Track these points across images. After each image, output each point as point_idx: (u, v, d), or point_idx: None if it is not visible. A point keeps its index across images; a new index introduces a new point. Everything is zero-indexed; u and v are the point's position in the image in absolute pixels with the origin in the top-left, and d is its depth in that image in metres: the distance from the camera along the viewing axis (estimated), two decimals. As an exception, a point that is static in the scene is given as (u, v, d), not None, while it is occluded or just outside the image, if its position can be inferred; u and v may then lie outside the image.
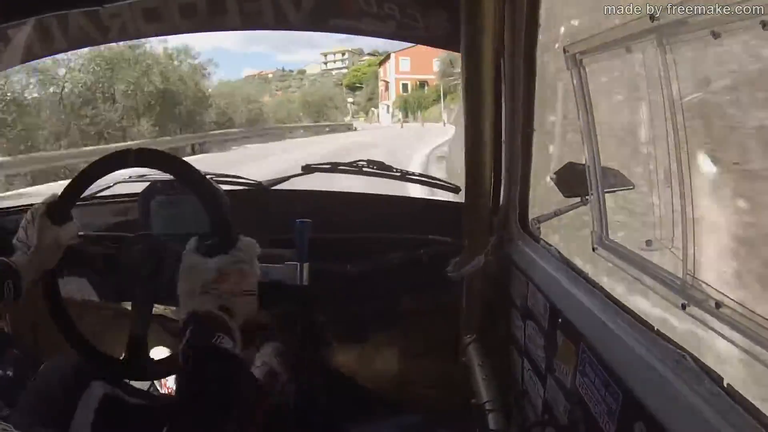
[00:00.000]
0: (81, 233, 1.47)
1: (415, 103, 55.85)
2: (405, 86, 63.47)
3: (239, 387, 0.91)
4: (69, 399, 1.25)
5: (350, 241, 1.90)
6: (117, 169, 1.34)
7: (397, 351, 2.04)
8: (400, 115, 56.16)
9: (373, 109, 70.93)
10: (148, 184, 1.90)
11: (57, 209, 1.32)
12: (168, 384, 2.01)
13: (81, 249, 1.39)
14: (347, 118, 60.09)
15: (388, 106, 65.21)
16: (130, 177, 2.05)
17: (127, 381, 1.47)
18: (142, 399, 1.42)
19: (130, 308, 1.88)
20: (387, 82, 66.01)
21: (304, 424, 1.71)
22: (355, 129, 42.42)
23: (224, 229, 1.18)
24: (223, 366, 0.94)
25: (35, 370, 1.36)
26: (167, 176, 1.53)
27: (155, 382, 1.98)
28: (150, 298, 1.39)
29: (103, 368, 1.34)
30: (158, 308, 1.83)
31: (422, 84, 60.22)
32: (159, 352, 2.11)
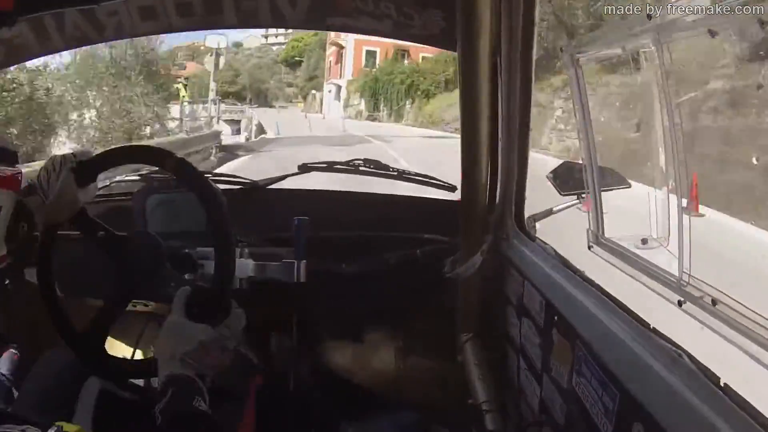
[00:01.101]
0: (75, 233, 1.47)
1: (389, 88, 35.88)
2: (371, 56, 41.35)
3: None
4: (67, 393, 1.25)
5: (346, 239, 1.89)
6: (152, 165, 1.35)
7: (393, 349, 2.04)
8: (362, 106, 38.86)
9: (313, 91, 54.69)
10: (143, 182, 1.89)
11: (85, 169, 1.31)
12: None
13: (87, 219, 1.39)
14: (277, 105, 51.53)
15: (338, 87, 44.17)
16: (126, 175, 2.04)
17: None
18: (136, 394, 1.42)
19: (128, 309, 1.89)
20: (340, 49, 43.94)
21: (302, 423, 1.71)
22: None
23: (222, 298, 1.21)
24: (200, 428, 0.99)
25: (30, 363, 1.36)
26: (162, 174, 1.53)
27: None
28: (125, 297, 1.39)
29: (102, 369, 1.34)
30: (153, 306, 1.82)
31: (402, 54, 37.85)
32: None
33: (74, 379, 1.27)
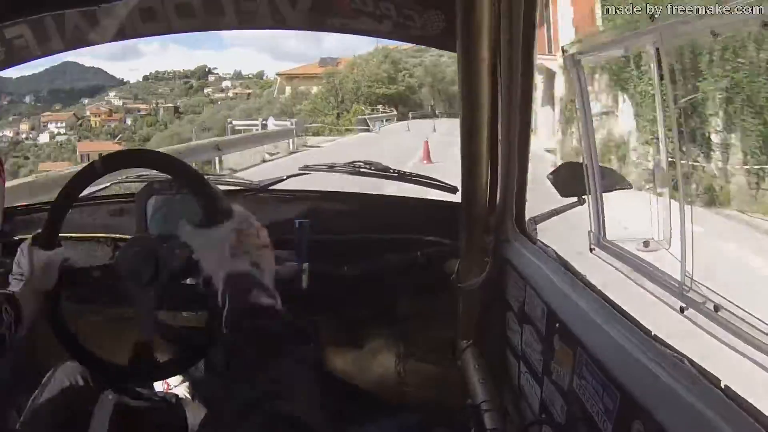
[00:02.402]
0: (77, 235, 1.47)
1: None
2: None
3: (285, 339, 0.92)
4: (81, 407, 1.25)
5: (347, 242, 1.89)
6: (91, 182, 1.34)
7: (394, 352, 2.04)
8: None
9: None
10: (144, 184, 1.89)
11: (44, 237, 1.33)
12: (169, 382, 2.00)
13: (75, 267, 1.39)
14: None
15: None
16: (126, 177, 2.04)
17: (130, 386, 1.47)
18: (148, 402, 1.42)
19: (130, 313, 1.89)
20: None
21: (300, 425, 1.71)
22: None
23: (216, 201, 1.17)
24: (265, 322, 0.94)
25: (34, 371, 1.36)
26: (164, 176, 1.52)
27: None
28: (151, 301, 1.39)
29: (107, 376, 1.34)
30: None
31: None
32: (159, 356, 2.11)
33: (91, 390, 1.28)
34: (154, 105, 52.83)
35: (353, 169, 1.98)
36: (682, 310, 0.99)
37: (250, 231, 1.06)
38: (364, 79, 49.34)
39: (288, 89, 51.96)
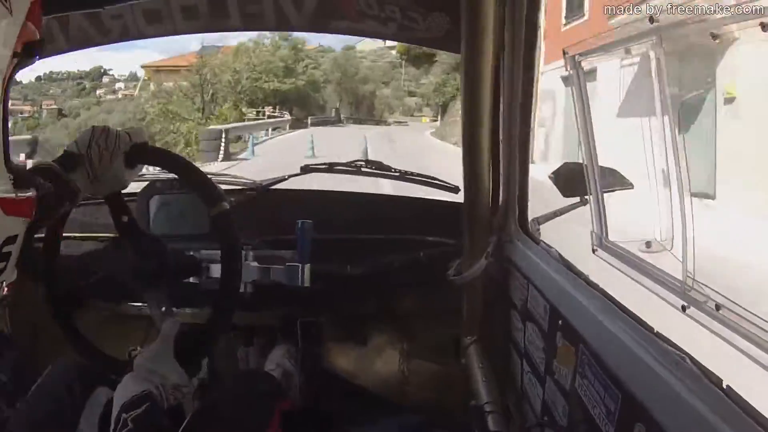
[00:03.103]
0: (79, 234, 1.46)
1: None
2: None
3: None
4: (74, 403, 1.25)
5: (350, 242, 1.90)
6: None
7: (397, 352, 2.04)
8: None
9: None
10: (146, 183, 1.90)
11: (138, 154, 1.31)
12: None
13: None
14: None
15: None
16: None
17: None
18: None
19: (131, 309, 1.90)
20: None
21: (305, 424, 1.71)
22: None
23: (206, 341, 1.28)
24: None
25: (34, 372, 1.36)
26: (166, 175, 1.53)
27: None
28: (162, 297, 1.40)
29: (106, 370, 1.35)
30: None
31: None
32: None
33: (83, 388, 1.28)
34: (38, 107, 48.31)
35: (355, 168, 1.99)
36: (683, 308, 0.99)
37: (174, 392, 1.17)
38: (248, 69, 36.94)
39: (152, 86, 39.56)
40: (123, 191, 2.03)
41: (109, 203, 1.37)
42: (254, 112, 35.74)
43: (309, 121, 34.98)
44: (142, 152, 1.30)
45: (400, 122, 45.18)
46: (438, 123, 39.06)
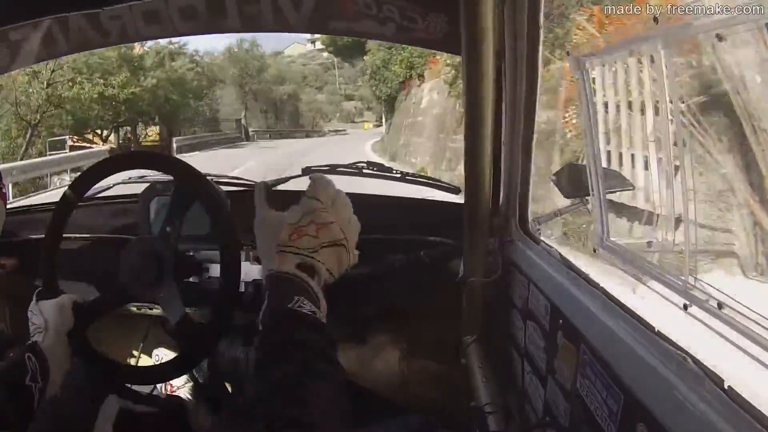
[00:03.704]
0: (80, 236, 1.47)
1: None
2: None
3: (316, 352, 0.84)
4: (86, 411, 1.25)
5: None
6: (71, 211, 1.37)
7: (397, 352, 2.04)
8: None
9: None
10: (147, 185, 1.90)
11: (45, 289, 1.36)
12: (173, 384, 2.01)
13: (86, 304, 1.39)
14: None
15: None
16: (129, 178, 2.05)
17: (132, 387, 1.47)
18: (151, 406, 1.42)
19: (131, 309, 1.90)
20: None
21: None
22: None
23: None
24: (300, 331, 0.85)
25: (42, 387, 1.37)
26: (166, 177, 1.53)
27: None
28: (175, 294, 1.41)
29: (109, 374, 1.35)
30: (159, 309, 1.83)
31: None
32: (159, 354, 2.12)
33: (94, 395, 1.28)
34: None
35: (356, 170, 1.99)
36: (685, 307, 0.99)
37: (307, 228, 0.97)
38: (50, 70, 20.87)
39: None
40: (123, 195, 2.04)
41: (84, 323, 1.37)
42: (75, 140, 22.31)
43: (174, 146, 23.40)
44: (42, 290, 1.36)
45: (338, 131, 40.42)
46: (384, 128, 29.26)
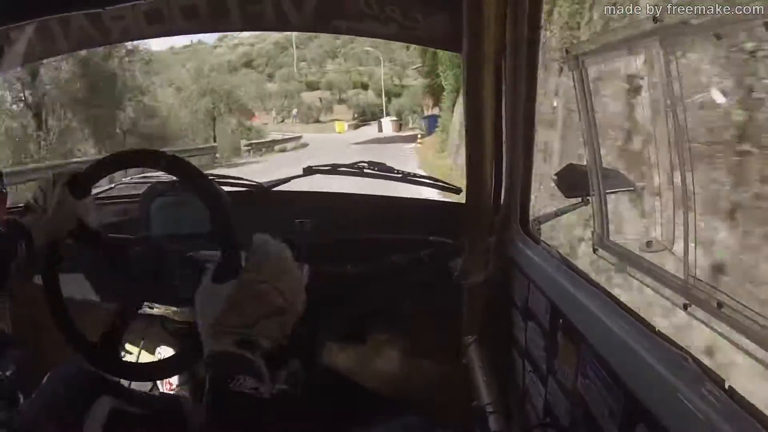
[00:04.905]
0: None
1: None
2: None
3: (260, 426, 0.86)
4: (77, 411, 1.25)
5: (351, 242, 1.90)
6: (146, 166, 1.35)
7: (397, 352, 2.04)
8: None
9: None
10: (148, 185, 1.90)
11: (79, 182, 1.31)
12: (171, 382, 2.02)
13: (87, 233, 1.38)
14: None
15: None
16: (131, 178, 2.05)
17: (127, 386, 1.47)
18: (146, 407, 1.42)
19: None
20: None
21: (305, 425, 1.71)
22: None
23: (228, 249, 1.16)
24: (243, 410, 0.87)
25: (36, 371, 1.36)
26: (168, 177, 1.54)
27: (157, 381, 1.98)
28: (137, 298, 1.40)
29: (101, 367, 1.35)
30: (159, 308, 1.83)
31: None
32: (161, 352, 2.12)
33: (86, 395, 1.27)
34: None
35: (357, 169, 1.99)
36: (685, 307, 0.99)
37: (244, 302, 0.95)
38: None
39: None
40: (124, 195, 2.04)
41: (78, 239, 1.36)
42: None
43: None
44: (81, 178, 1.32)
45: (288, 139, 25.65)
46: (379, 131, 26.38)
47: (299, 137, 27.04)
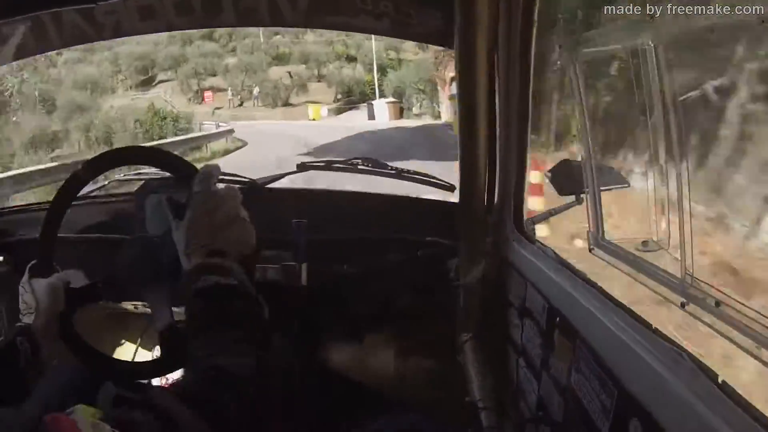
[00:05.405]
0: (74, 236, 1.45)
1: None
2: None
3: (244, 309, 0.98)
4: (83, 396, 1.24)
5: (347, 241, 1.89)
6: (76, 194, 1.34)
7: (393, 350, 2.04)
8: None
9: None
10: (142, 182, 1.89)
11: (39, 267, 1.32)
12: (168, 378, 2.01)
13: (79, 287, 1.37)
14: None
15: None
16: (124, 175, 2.04)
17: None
18: (149, 395, 1.41)
19: (128, 309, 1.89)
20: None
21: (302, 423, 1.71)
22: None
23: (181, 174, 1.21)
24: (226, 296, 0.97)
25: (36, 368, 1.36)
26: (162, 174, 1.52)
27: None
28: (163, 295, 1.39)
29: (109, 372, 1.34)
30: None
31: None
32: (158, 352, 2.12)
33: (91, 383, 1.27)
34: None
35: (351, 166, 1.98)
36: (683, 305, 0.99)
37: (200, 224, 1.06)
38: None
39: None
40: (118, 193, 2.02)
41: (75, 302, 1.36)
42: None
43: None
44: (36, 264, 1.32)
45: (199, 137, 19.14)
46: (370, 118, 20.97)
47: (230, 131, 20.00)
